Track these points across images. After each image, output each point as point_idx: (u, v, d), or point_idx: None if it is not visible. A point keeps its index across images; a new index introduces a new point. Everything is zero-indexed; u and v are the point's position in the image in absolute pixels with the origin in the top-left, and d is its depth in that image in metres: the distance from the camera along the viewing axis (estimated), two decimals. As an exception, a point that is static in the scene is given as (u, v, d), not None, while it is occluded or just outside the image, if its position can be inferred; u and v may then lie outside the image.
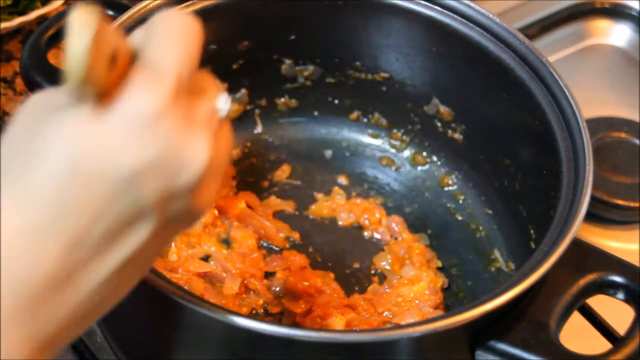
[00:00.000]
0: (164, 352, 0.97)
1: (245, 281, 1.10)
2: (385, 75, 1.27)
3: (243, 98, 1.30)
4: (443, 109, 1.25)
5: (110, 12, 1.17)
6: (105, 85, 0.63)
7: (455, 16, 1.16)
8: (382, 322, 1.08)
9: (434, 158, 1.30)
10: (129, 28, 1.11)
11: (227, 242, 1.16)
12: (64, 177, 0.63)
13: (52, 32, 1.15)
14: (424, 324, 0.88)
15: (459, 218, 1.26)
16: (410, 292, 1.12)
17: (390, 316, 1.09)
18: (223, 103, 0.70)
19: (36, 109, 0.65)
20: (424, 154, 1.31)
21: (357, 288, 1.15)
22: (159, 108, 0.64)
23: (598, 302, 1.06)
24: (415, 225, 1.24)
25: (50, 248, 0.63)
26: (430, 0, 1.17)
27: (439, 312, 1.11)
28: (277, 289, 1.11)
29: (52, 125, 0.63)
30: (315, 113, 1.33)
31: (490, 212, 1.24)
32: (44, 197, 0.62)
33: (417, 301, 1.11)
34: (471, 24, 1.16)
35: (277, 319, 1.10)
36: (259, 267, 1.13)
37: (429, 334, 0.87)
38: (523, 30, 1.58)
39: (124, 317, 1.00)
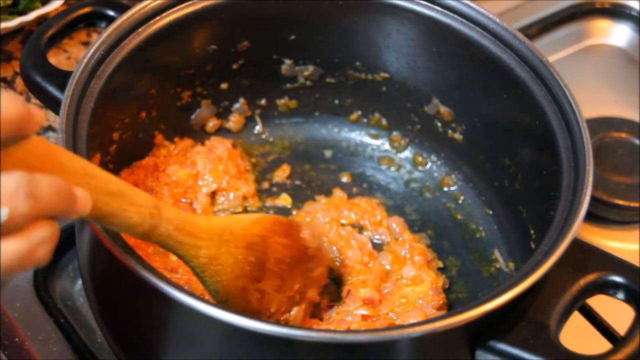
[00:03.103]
0: (164, 352, 0.97)
1: None
2: (385, 75, 1.27)
3: (242, 108, 1.30)
4: (443, 109, 1.25)
5: (111, 12, 1.17)
6: None
7: (455, 16, 1.16)
8: (387, 323, 1.09)
9: (434, 158, 1.30)
10: (129, 28, 1.11)
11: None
12: None
13: (52, 32, 1.15)
14: (423, 324, 0.88)
15: (459, 218, 1.26)
16: (414, 293, 1.11)
17: (395, 317, 1.09)
18: None
19: None
20: (424, 154, 1.31)
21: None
22: None
23: (598, 302, 1.07)
24: (415, 226, 1.24)
25: None
26: (430, 0, 1.17)
27: (442, 313, 1.11)
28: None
29: None
30: (316, 113, 1.33)
31: (490, 212, 1.24)
32: None
33: (420, 302, 1.11)
34: (471, 24, 1.16)
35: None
36: None
37: (428, 334, 0.87)
38: (523, 30, 1.58)
39: (123, 317, 1.00)
